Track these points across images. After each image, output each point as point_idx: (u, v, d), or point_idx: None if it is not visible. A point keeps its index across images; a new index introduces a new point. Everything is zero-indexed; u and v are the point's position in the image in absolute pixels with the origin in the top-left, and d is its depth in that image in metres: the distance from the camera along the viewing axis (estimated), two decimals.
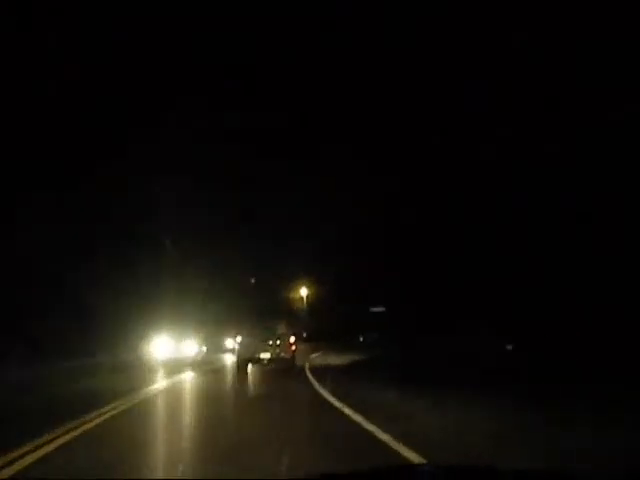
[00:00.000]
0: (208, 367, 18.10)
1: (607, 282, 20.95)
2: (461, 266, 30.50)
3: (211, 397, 10.72)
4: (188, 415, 8.46)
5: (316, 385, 11.68)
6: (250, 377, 15.15)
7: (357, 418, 6.85)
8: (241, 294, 31.22)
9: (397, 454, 4.70)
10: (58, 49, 24.21)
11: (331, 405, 8.47)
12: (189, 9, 29.25)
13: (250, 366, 16.71)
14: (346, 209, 38.43)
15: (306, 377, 13.91)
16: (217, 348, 32.30)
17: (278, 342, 15.95)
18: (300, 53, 35.91)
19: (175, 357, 18.26)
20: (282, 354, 16.01)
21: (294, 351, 16.27)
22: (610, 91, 21.12)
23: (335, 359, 23.52)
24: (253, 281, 37.07)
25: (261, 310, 18.02)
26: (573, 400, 8.00)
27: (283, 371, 15.74)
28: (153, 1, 28.80)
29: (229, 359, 21.85)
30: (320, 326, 44.54)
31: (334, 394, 9.50)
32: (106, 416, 7.46)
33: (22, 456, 4.89)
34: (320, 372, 14.89)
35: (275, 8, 27.38)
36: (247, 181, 40.20)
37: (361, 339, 47.98)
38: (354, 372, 16.38)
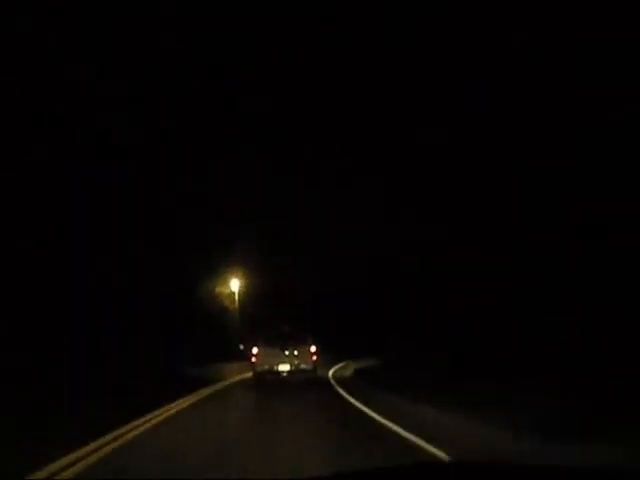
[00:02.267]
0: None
1: (605, 284, 21.04)
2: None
3: None
4: None
5: None
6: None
7: None
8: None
9: None
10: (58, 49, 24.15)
11: None
12: (189, 9, 29.19)
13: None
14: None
15: None
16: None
17: (296, 352, 14.45)
18: (300, 53, 35.91)
19: None
20: (302, 365, 14.53)
21: (315, 361, 14.74)
22: (610, 91, 21.17)
23: None
24: None
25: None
26: None
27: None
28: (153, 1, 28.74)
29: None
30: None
31: None
32: None
33: None
34: None
35: (275, 8, 27.41)
36: None
37: None
38: None
